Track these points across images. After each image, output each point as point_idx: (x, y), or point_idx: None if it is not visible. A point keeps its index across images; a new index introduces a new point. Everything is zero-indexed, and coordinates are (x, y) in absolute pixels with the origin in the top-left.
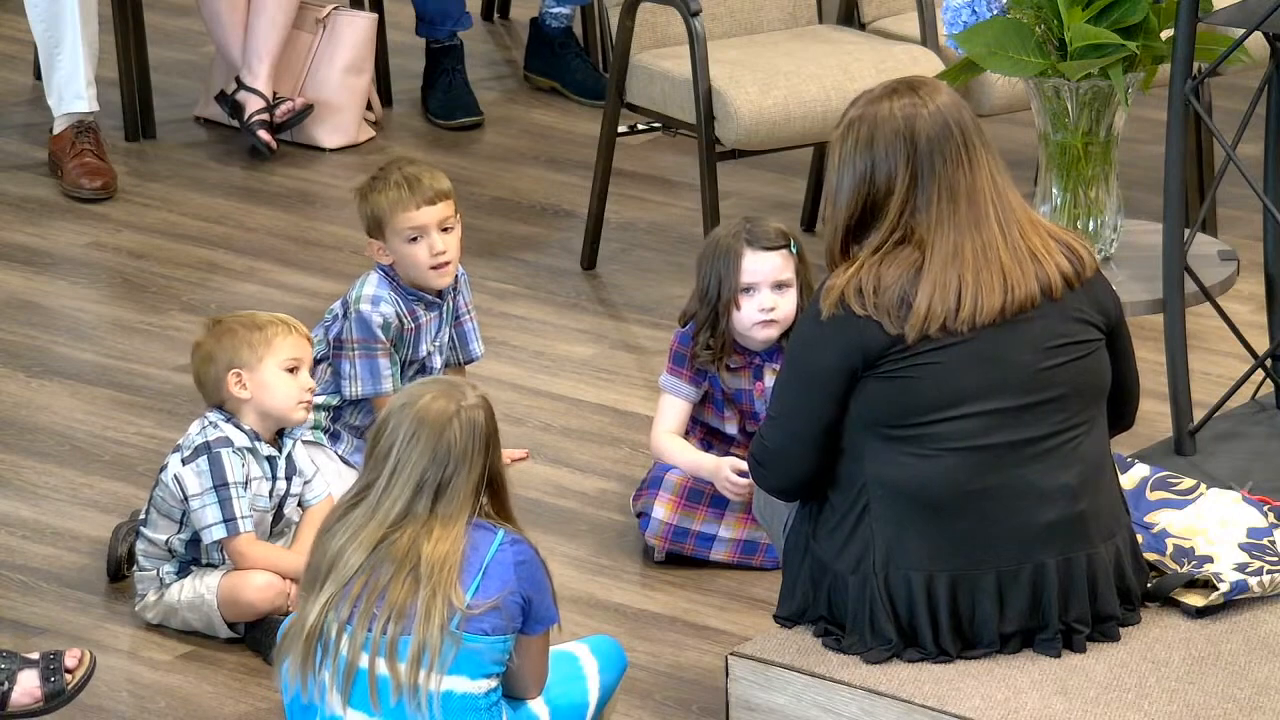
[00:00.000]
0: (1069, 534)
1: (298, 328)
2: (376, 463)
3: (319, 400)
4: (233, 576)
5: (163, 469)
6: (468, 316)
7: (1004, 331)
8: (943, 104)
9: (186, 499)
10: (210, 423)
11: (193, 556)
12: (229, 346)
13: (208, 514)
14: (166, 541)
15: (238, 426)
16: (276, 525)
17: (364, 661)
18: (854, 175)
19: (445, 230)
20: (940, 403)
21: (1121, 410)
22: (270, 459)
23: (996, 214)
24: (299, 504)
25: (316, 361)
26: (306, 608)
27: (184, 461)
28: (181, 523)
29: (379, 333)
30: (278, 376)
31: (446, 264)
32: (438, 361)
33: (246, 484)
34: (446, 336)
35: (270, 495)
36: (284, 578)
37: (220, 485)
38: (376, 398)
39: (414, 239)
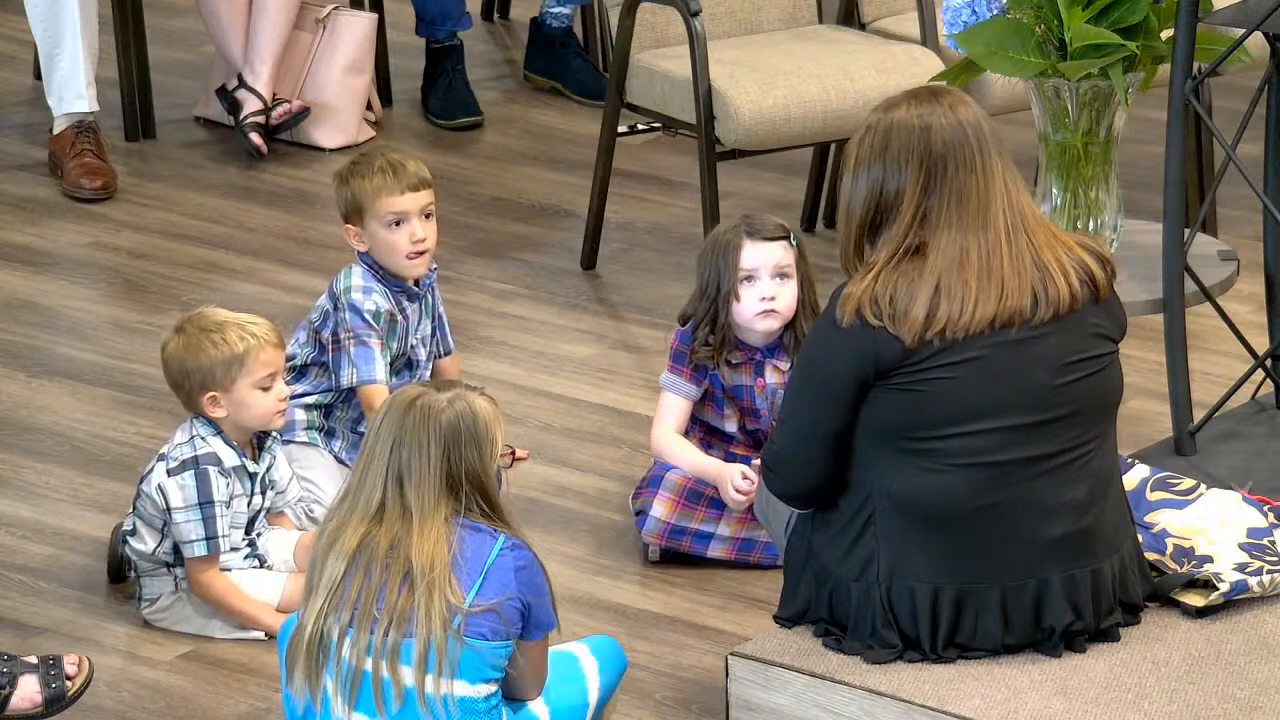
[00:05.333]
0: (1075, 549)
1: (269, 337)
2: (357, 460)
3: (310, 400)
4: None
5: (144, 479)
6: (442, 311)
7: (1018, 348)
8: (962, 114)
9: (169, 510)
10: (199, 435)
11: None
12: (202, 366)
13: (191, 529)
14: (153, 553)
15: (227, 442)
16: (247, 535)
17: (368, 665)
18: (868, 179)
19: (426, 217)
20: (953, 418)
21: None
22: (253, 475)
23: (1006, 222)
24: (266, 511)
25: (305, 366)
26: (304, 616)
27: (169, 473)
28: (163, 533)
29: (371, 320)
30: (252, 395)
31: (424, 252)
32: (422, 354)
33: (229, 502)
34: (429, 330)
35: (247, 509)
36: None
37: (205, 503)
38: (369, 385)
39: (396, 224)
